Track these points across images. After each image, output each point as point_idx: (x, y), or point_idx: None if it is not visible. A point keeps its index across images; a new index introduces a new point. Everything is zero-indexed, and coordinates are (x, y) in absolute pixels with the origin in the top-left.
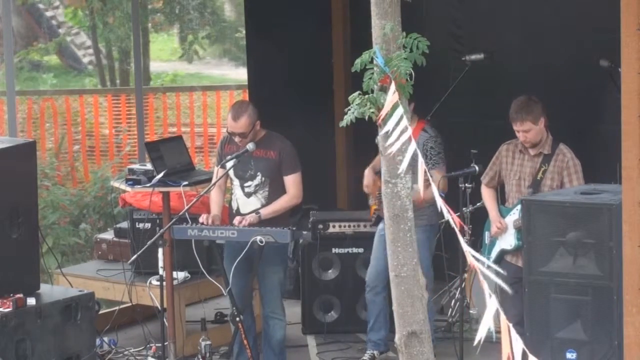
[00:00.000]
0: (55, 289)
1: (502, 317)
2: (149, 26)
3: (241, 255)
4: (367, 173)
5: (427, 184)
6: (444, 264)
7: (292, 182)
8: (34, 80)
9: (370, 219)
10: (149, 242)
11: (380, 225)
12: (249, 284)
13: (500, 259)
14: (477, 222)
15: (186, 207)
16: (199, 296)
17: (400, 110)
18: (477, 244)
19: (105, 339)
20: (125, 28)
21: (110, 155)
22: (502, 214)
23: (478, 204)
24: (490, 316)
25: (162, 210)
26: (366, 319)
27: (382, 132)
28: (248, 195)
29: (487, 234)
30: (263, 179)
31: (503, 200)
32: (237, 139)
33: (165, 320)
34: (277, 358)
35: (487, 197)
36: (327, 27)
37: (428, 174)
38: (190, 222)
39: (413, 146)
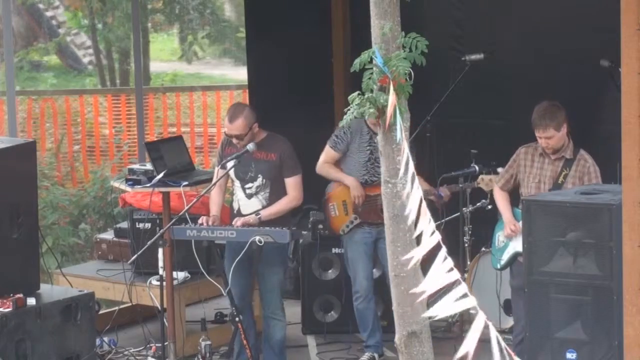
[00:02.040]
0: (55, 289)
1: (481, 314)
2: (149, 26)
3: (240, 256)
4: (355, 184)
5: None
6: None
7: (293, 184)
8: (34, 80)
9: (339, 234)
10: (149, 242)
11: (359, 236)
12: (248, 284)
13: (513, 261)
14: (477, 222)
15: (186, 208)
16: (199, 296)
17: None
18: (478, 244)
19: (105, 339)
20: (125, 28)
21: (110, 155)
22: (517, 218)
23: (478, 204)
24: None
25: (162, 210)
26: None
27: (380, 134)
28: (249, 196)
29: (497, 235)
30: (264, 180)
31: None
32: (234, 141)
33: (165, 320)
34: (277, 358)
35: (501, 199)
36: (327, 27)
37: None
38: (190, 223)
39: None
